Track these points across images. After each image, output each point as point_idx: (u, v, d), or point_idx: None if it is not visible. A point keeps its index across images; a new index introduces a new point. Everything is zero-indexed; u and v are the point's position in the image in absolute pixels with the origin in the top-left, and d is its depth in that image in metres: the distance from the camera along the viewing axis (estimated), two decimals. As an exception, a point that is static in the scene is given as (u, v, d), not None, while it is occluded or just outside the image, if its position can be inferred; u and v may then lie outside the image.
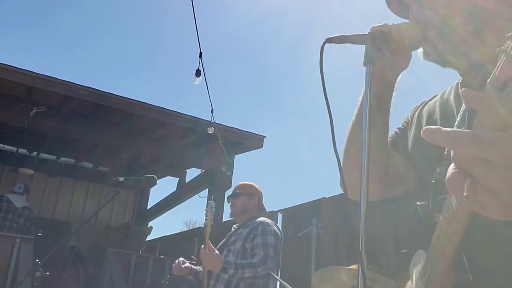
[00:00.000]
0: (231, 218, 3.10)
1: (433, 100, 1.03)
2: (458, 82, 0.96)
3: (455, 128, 0.49)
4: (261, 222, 2.74)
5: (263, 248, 2.62)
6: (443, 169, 0.81)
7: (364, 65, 1.04)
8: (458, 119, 0.86)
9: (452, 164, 0.49)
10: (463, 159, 0.47)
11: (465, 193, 0.47)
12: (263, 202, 3.02)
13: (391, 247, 3.55)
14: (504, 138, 0.45)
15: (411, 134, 1.07)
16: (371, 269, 2.25)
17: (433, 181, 0.82)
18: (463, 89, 0.52)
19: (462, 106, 0.86)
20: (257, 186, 3.05)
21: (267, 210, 3.12)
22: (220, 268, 2.44)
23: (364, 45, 1.03)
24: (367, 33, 1.04)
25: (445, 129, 0.49)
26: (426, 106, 1.05)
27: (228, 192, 3.39)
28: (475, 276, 0.75)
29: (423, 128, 0.50)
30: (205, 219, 2.61)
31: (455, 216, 0.57)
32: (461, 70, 0.91)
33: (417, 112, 1.07)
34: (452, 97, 0.95)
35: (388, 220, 3.79)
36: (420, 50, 0.94)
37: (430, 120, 0.99)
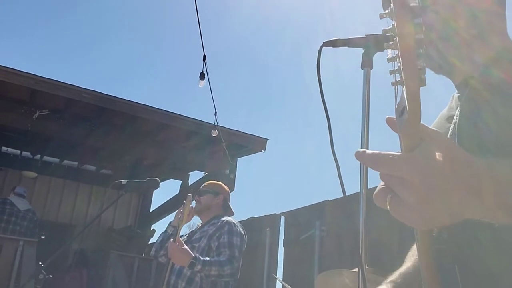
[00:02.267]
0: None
1: (444, 110, 1.03)
2: (454, 95, 0.95)
3: (377, 151, 0.55)
4: (228, 222, 2.73)
5: (229, 247, 2.61)
6: None
7: (362, 68, 1.04)
8: (449, 132, 0.86)
9: (381, 181, 0.55)
10: (385, 177, 0.54)
11: (388, 207, 0.53)
12: (229, 203, 3.02)
13: (395, 250, 3.54)
14: (407, 157, 0.51)
15: None
16: (374, 272, 2.23)
17: None
18: (386, 117, 0.58)
19: (456, 113, 0.86)
20: (224, 186, 3.06)
21: (271, 213, 3.12)
22: (188, 263, 2.41)
23: (361, 48, 1.03)
24: (364, 36, 1.04)
25: (369, 151, 0.55)
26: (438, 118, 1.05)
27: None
28: (476, 285, 0.75)
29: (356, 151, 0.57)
30: (181, 212, 2.61)
31: (416, 234, 0.62)
32: (457, 79, 0.90)
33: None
34: (453, 104, 0.94)
35: (393, 223, 3.77)
36: None
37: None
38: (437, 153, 0.52)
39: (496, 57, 0.84)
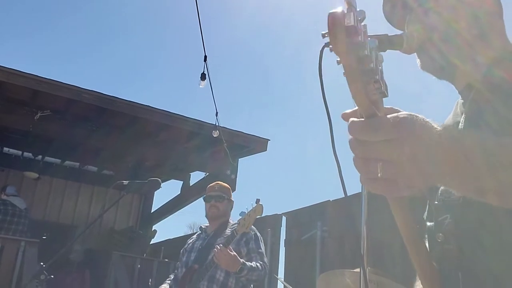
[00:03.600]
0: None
1: (449, 117, 1.02)
2: (458, 101, 0.94)
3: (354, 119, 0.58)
4: (251, 228, 2.77)
5: (258, 253, 2.71)
6: (444, 190, 0.82)
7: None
8: None
9: (356, 157, 0.57)
10: (368, 147, 0.55)
11: (379, 175, 0.55)
12: None
13: (398, 251, 3.53)
14: (390, 118, 0.54)
15: None
16: (376, 273, 2.23)
17: (435, 202, 0.83)
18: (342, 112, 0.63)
19: (459, 125, 0.86)
20: (229, 187, 3.10)
21: (272, 213, 3.16)
22: (238, 268, 2.49)
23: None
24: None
25: (355, 121, 0.57)
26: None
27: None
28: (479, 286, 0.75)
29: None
30: (244, 220, 2.61)
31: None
32: (460, 83, 0.90)
33: None
34: (458, 111, 0.93)
35: (395, 224, 3.76)
36: (417, 60, 0.92)
37: None
38: (410, 118, 0.55)
39: (498, 57, 0.84)
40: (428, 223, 0.86)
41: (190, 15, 3.84)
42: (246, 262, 2.55)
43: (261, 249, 2.76)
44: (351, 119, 0.57)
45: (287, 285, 3.78)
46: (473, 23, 0.85)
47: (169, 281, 2.92)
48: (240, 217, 2.72)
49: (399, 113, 0.55)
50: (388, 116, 0.55)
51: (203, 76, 4.31)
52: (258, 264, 2.63)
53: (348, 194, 1.09)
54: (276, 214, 5.85)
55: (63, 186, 8.32)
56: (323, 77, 0.87)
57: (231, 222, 2.92)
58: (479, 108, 0.80)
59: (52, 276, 3.45)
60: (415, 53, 0.90)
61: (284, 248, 5.53)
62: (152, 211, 8.75)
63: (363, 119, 0.56)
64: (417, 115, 0.56)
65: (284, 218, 5.61)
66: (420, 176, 0.55)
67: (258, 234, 2.83)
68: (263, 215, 6.27)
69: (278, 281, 5.25)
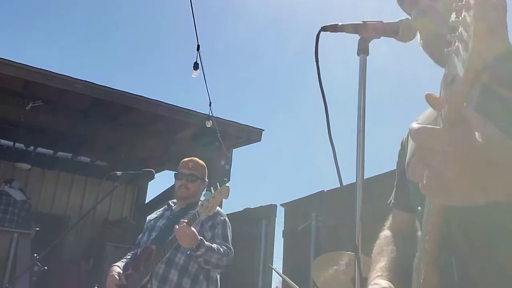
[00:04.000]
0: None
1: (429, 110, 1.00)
2: None
3: (421, 125, 0.55)
4: (219, 211, 2.58)
5: (224, 240, 2.52)
6: None
7: (358, 55, 1.03)
8: None
9: (417, 157, 0.55)
10: (425, 151, 0.54)
11: (424, 181, 0.54)
12: None
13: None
14: (452, 131, 0.52)
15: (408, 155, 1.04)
16: (370, 260, 2.24)
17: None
18: (426, 93, 0.58)
19: None
20: (205, 166, 2.84)
21: (267, 204, 3.04)
22: (195, 245, 2.29)
23: (358, 35, 1.02)
24: (361, 22, 1.02)
25: (415, 125, 0.55)
26: (420, 117, 1.01)
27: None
28: (487, 278, 0.74)
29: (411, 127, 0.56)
30: (208, 201, 2.35)
31: (430, 216, 0.63)
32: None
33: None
34: None
35: (388, 214, 3.78)
36: (419, 40, 0.90)
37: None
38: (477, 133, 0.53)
39: (504, 51, 0.82)
40: (419, 207, 0.85)
41: (183, 3, 3.80)
42: (205, 241, 2.36)
43: (227, 235, 2.56)
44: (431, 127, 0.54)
45: (281, 274, 3.80)
46: (483, 16, 0.83)
47: (125, 260, 2.72)
48: (204, 198, 2.46)
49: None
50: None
51: (196, 66, 4.27)
52: (220, 248, 2.43)
53: (344, 184, 1.09)
54: (271, 204, 5.86)
55: (56, 177, 8.27)
56: (319, 63, 0.86)
57: (205, 198, 2.67)
58: (487, 101, 0.78)
59: (46, 267, 3.44)
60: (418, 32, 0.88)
61: (282, 238, 5.56)
62: (146, 201, 8.74)
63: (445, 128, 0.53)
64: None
65: (282, 209, 5.63)
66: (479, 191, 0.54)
67: (227, 220, 2.63)
68: (258, 206, 6.31)
69: (273, 270, 5.27)
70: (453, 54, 0.52)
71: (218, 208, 2.58)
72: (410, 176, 0.58)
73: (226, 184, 2.39)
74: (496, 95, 0.76)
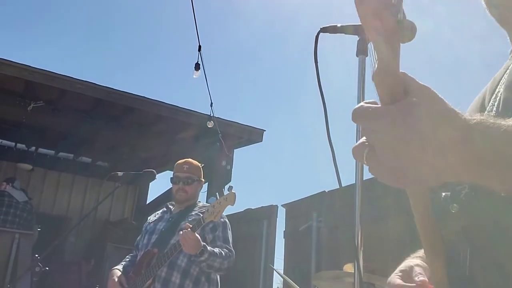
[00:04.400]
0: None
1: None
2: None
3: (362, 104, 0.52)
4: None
5: (225, 242, 2.54)
6: None
7: (357, 56, 1.03)
8: (493, 97, 0.77)
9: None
10: (364, 131, 0.51)
11: (364, 161, 0.51)
12: None
13: (390, 241, 3.55)
14: (383, 109, 0.49)
15: None
16: (372, 270, 2.23)
17: None
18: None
19: (501, 81, 0.77)
20: (200, 166, 2.83)
21: (268, 204, 3.03)
22: (198, 251, 2.31)
23: (357, 36, 1.02)
24: (360, 24, 1.02)
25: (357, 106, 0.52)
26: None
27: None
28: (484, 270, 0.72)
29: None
30: (213, 207, 2.35)
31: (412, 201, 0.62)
32: None
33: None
34: (498, 73, 0.83)
35: (390, 214, 3.78)
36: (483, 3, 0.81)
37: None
38: (418, 108, 0.48)
39: None
40: (444, 193, 0.80)
41: (184, 4, 3.80)
42: (208, 246, 2.38)
43: (228, 237, 2.58)
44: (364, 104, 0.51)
45: (282, 275, 3.79)
46: None
47: (125, 263, 2.72)
48: (209, 204, 2.51)
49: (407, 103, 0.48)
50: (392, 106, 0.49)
51: (197, 66, 4.28)
52: (222, 252, 2.45)
53: (343, 185, 1.09)
54: (272, 205, 5.85)
55: (57, 177, 8.28)
56: (318, 63, 0.86)
57: (199, 204, 2.74)
58: None
59: (47, 268, 3.44)
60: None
61: (283, 239, 5.56)
62: (147, 202, 8.74)
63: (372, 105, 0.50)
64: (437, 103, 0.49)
65: (283, 209, 5.63)
66: (430, 173, 0.49)
67: (228, 221, 2.64)
68: (259, 206, 6.31)
69: (274, 271, 5.27)
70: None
71: None
72: (352, 153, 0.54)
73: (233, 191, 2.40)
74: None
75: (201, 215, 2.49)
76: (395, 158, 0.49)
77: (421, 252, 0.92)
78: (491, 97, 0.78)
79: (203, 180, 2.83)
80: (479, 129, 0.49)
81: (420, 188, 0.60)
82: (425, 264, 0.85)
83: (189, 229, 2.32)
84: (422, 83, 0.51)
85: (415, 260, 0.88)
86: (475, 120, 0.50)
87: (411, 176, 0.50)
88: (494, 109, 0.73)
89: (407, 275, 0.86)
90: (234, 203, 2.38)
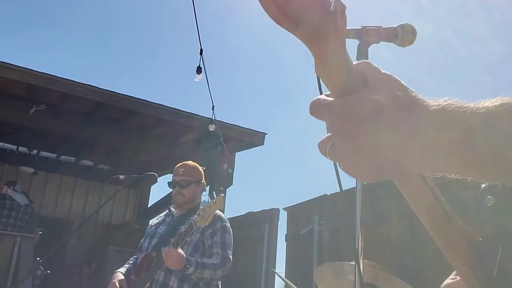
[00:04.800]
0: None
1: None
2: None
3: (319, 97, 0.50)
4: (219, 217, 2.56)
5: (222, 248, 2.48)
6: None
7: (357, 59, 1.03)
8: None
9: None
10: (326, 125, 0.50)
11: (327, 155, 0.50)
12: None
13: (392, 243, 3.54)
14: (337, 103, 0.47)
15: None
16: (372, 266, 2.23)
17: None
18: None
19: None
20: (200, 168, 2.81)
21: (270, 208, 3.01)
22: (182, 267, 2.31)
23: (357, 40, 1.02)
24: (360, 27, 1.03)
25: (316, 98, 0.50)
26: None
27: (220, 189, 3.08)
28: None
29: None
30: (204, 211, 2.36)
31: None
32: None
33: None
34: None
35: (391, 216, 3.78)
36: None
37: None
38: (375, 97, 0.46)
39: None
40: (483, 185, 0.79)
41: (186, 8, 3.81)
42: (192, 260, 2.35)
43: (226, 242, 2.52)
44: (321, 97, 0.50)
45: (284, 278, 3.79)
46: None
47: (128, 265, 2.73)
48: (201, 207, 2.52)
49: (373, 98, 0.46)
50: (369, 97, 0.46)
51: (199, 70, 4.29)
52: (214, 262, 2.42)
53: (344, 188, 1.09)
54: (274, 208, 5.85)
55: (59, 181, 8.28)
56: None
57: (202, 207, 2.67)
58: None
59: (49, 271, 3.44)
60: None
61: (285, 242, 5.55)
62: (148, 205, 8.74)
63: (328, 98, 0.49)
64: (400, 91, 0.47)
65: (284, 213, 5.62)
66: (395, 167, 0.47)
67: (228, 225, 2.59)
68: (260, 210, 6.30)
69: (275, 274, 5.26)
70: None
71: (220, 213, 2.59)
72: (318, 147, 0.52)
73: (221, 194, 2.42)
74: None
75: (214, 219, 2.51)
76: (350, 152, 0.47)
77: None
78: None
79: (203, 181, 2.80)
80: (443, 115, 0.47)
81: (416, 193, 0.59)
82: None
83: (171, 245, 2.33)
84: (384, 72, 0.49)
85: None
86: (439, 106, 0.47)
87: (370, 169, 0.48)
88: None
89: None
90: (223, 206, 2.43)
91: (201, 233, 2.50)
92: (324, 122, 0.49)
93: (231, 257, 2.50)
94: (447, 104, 0.47)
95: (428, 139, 0.45)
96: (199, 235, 2.49)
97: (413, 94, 0.48)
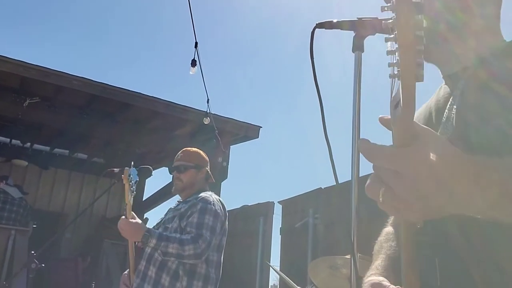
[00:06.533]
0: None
1: (425, 104, 0.99)
2: (442, 86, 0.92)
3: (374, 143, 0.55)
4: (202, 199, 2.43)
5: (197, 227, 2.30)
6: None
7: (353, 52, 1.03)
8: (443, 120, 0.83)
9: (373, 173, 0.56)
10: (379, 170, 0.54)
11: (380, 199, 0.54)
12: (208, 170, 2.73)
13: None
14: (403, 151, 0.53)
15: None
16: (366, 259, 2.24)
17: None
18: (380, 116, 0.61)
19: (447, 106, 0.84)
20: (204, 155, 2.75)
21: (265, 201, 2.96)
22: (140, 237, 2.18)
23: (353, 32, 1.02)
24: (356, 19, 1.02)
25: (367, 142, 0.55)
26: (417, 113, 0.99)
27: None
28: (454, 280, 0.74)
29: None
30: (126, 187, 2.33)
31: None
32: (450, 69, 0.88)
33: None
34: (441, 96, 0.91)
35: (384, 212, 3.79)
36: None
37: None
38: (431, 151, 0.52)
39: (503, 48, 0.82)
40: None
41: (181, 1, 3.78)
42: (155, 231, 2.21)
43: (203, 222, 2.33)
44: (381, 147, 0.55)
45: (278, 271, 3.80)
46: (480, 12, 0.84)
47: None
48: (204, 192, 2.54)
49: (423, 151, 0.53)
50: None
51: (193, 63, 4.27)
52: (183, 237, 2.24)
53: (339, 182, 1.09)
54: (269, 201, 5.86)
55: (53, 174, 8.25)
56: (314, 59, 0.86)
57: (203, 194, 2.53)
58: (484, 100, 0.76)
59: (43, 265, 3.43)
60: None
61: (280, 235, 5.57)
62: (143, 199, 8.73)
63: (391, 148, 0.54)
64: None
65: (279, 206, 5.64)
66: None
67: (212, 207, 2.42)
68: (255, 203, 6.30)
69: (270, 267, 5.28)
70: (395, 79, 0.53)
71: (205, 195, 2.50)
72: (366, 192, 0.57)
73: (126, 167, 2.40)
74: (494, 93, 0.75)
75: (185, 205, 2.46)
76: (413, 195, 0.52)
77: (373, 268, 0.98)
78: (439, 117, 0.85)
79: (206, 168, 2.71)
80: (489, 165, 0.55)
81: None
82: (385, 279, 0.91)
83: (123, 217, 2.24)
84: (422, 125, 0.57)
85: (378, 278, 0.93)
86: (482, 159, 0.56)
87: (426, 210, 0.54)
88: (449, 131, 0.80)
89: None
90: (126, 180, 2.40)
91: (180, 218, 2.42)
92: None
93: (207, 237, 2.30)
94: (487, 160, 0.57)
95: (486, 188, 0.53)
96: (178, 220, 2.41)
97: (453, 147, 0.56)
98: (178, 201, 2.75)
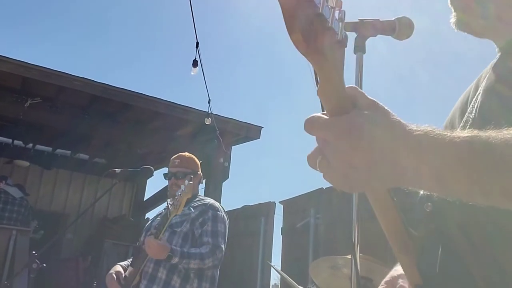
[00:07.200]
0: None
1: (468, 88, 0.91)
2: (493, 62, 0.85)
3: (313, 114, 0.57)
4: (211, 206, 2.53)
5: (213, 237, 2.42)
6: None
7: (355, 53, 1.03)
8: (469, 107, 0.80)
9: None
10: (317, 140, 0.56)
11: (317, 167, 0.55)
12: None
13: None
14: (333, 120, 0.54)
15: None
16: (368, 259, 2.25)
17: None
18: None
19: (479, 90, 0.79)
20: (196, 159, 2.78)
21: (266, 201, 2.97)
22: (165, 257, 2.26)
23: (355, 33, 1.02)
24: (357, 21, 1.02)
25: (308, 117, 0.56)
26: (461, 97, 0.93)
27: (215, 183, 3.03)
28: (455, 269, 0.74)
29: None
30: (173, 204, 2.35)
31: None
32: (502, 42, 0.81)
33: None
34: (483, 78, 0.85)
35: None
36: (452, 20, 0.84)
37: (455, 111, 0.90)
38: (366, 120, 0.53)
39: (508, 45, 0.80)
40: (421, 192, 0.83)
41: (182, 1, 3.79)
42: (177, 249, 2.30)
43: (218, 231, 2.45)
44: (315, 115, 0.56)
45: (279, 271, 3.80)
46: None
47: (131, 258, 2.67)
48: (202, 197, 2.55)
49: (359, 115, 0.53)
50: (344, 118, 0.53)
51: (195, 63, 4.27)
52: (202, 251, 2.35)
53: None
54: (270, 201, 5.86)
55: (54, 174, 8.26)
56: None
57: (198, 197, 2.65)
58: (488, 100, 0.74)
59: (44, 265, 3.44)
60: (452, 9, 0.84)
61: (281, 235, 5.57)
62: (144, 199, 8.74)
63: (324, 117, 0.55)
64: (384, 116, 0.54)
65: (280, 206, 5.64)
66: (381, 180, 0.54)
67: (221, 214, 2.53)
68: (256, 203, 6.30)
69: (271, 267, 5.28)
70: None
71: (212, 202, 2.58)
72: (307, 161, 0.58)
73: (190, 182, 2.40)
74: (497, 93, 0.73)
75: (192, 210, 2.49)
76: (344, 165, 0.53)
77: None
78: (472, 100, 0.81)
79: (200, 173, 2.77)
80: (423, 140, 0.54)
81: (379, 193, 0.64)
82: None
83: (151, 235, 2.30)
84: (370, 98, 0.57)
85: (400, 269, 0.92)
86: (420, 132, 0.54)
87: (360, 181, 0.54)
88: (473, 113, 0.77)
89: (391, 285, 0.90)
90: (191, 193, 2.41)
91: (191, 223, 2.47)
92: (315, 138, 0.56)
93: (223, 246, 2.44)
94: (429, 131, 0.54)
95: (414, 158, 0.53)
96: (189, 225, 2.45)
97: (396, 118, 0.55)
98: (169, 203, 2.77)
